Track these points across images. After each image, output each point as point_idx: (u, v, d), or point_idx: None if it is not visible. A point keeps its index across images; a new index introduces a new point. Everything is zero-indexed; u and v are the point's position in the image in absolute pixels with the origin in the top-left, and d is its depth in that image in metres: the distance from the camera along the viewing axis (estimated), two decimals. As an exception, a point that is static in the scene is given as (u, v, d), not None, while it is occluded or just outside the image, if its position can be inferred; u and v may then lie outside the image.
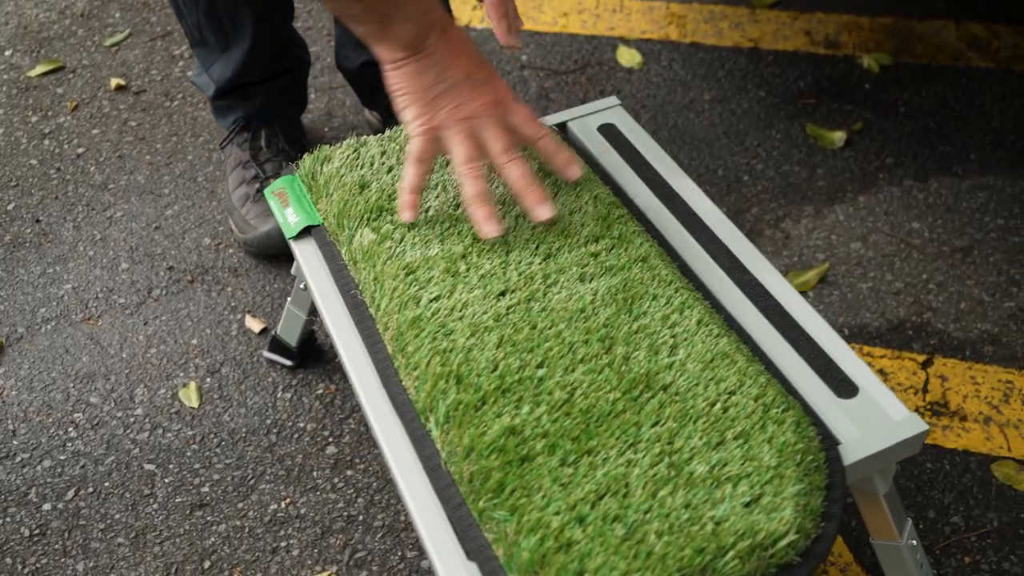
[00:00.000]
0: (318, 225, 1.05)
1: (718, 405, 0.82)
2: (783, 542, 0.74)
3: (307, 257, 1.04)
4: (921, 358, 1.26)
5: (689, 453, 0.79)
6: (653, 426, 0.81)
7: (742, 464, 0.78)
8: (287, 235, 1.06)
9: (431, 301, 0.91)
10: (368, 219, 1.01)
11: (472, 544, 0.77)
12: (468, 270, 0.94)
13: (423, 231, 0.98)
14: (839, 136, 1.58)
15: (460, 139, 0.91)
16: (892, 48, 1.76)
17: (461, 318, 0.90)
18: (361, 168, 1.07)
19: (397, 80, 0.91)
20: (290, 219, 1.07)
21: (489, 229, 0.91)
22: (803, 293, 1.34)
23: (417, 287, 0.93)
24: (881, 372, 1.24)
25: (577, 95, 1.71)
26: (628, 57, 1.78)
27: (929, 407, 1.20)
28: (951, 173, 1.52)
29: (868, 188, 1.50)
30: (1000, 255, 1.38)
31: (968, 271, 1.37)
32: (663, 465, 0.78)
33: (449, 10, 1.47)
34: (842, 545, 1.08)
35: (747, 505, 0.76)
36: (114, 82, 1.81)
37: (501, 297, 0.92)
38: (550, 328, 0.88)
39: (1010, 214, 1.44)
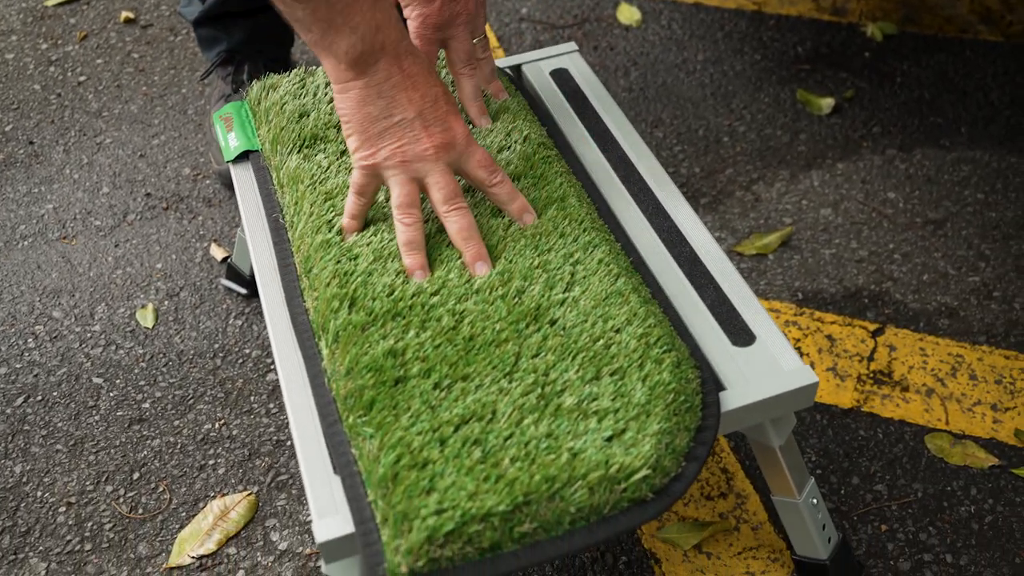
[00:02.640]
0: (257, 151, 1.07)
1: (601, 342, 0.82)
2: (636, 476, 0.74)
3: (241, 180, 1.06)
4: (873, 327, 1.24)
5: (562, 385, 0.79)
6: (532, 357, 0.81)
7: (612, 399, 0.78)
8: (225, 157, 1.08)
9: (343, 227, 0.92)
10: (300, 146, 1.02)
11: (341, 459, 0.79)
12: (386, 200, 0.95)
13: (347, 159, 0.99)
14: (828, 103, 1.55)
15: (400, 182, 0.86)
16: (900, 18, 1.71)
17: (368, 244, 0.91)
18: (304, 97, 1.08)
19: (342, 104, 0.84)
20: (231, 143, 1.09)
21: (417, 276, 0.86)
22: (762, 255, 1.33)
23: (333, 213, 0.94)
24: (828, 338, 1.22)
25: (571, 49, 1.69)
26: (628, 14, 1.76)
27: (872, 375, 1.18)
28: (938, 145, 1.48)
29: (849, 156, 1.47)
30: (973, 229, 1.35)
31: (937, 243, 1.33)
32: (533, 395, 0.78)
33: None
34: (758, 504, 1.07)
35: (608, 439, 0.76)
36: (123, 15, 1.85)
37: (412, 226, 0.92)
38: (454, 259, 0.89)
39: (991, 189, 1.40)
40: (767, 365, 0.85)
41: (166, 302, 1.32)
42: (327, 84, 1.09)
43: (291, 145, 1.03)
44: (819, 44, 1.67)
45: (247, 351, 1.25)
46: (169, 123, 1.61)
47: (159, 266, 1.37)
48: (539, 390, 0.79)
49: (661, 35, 1.72)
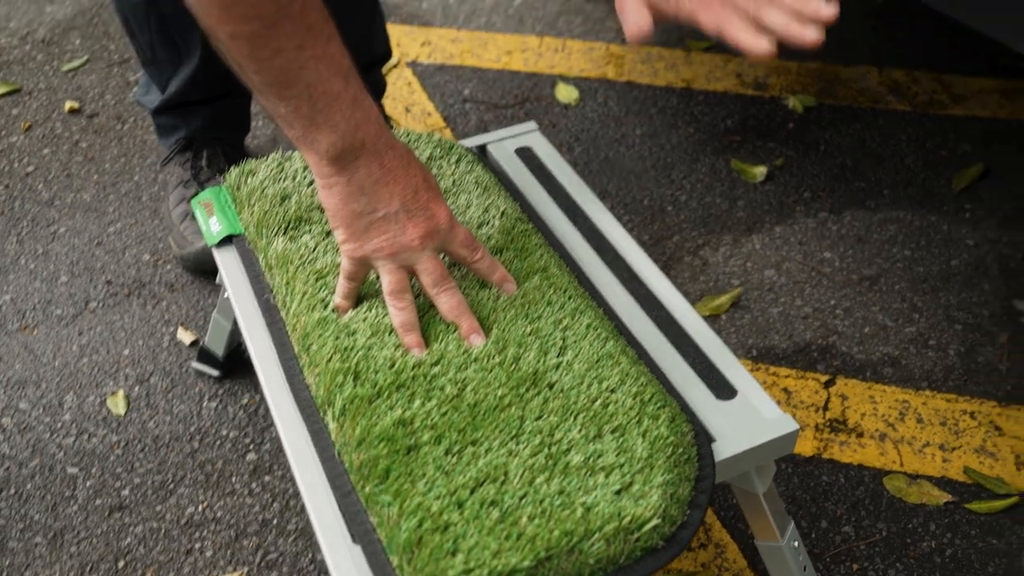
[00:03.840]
0: (240, 234, 1.10)
1: (599, 402, 0.87)
2: (648, 526, 0.78)
3: (227, 263, 1.09)
4: (824, 378, 1.32)
5: (568, 445, 0.84)
6: (536, 419, 0.86)
7: (616, 455, 0.83)
8: (208, 242, 1.10)
9: (338, 305, 0.96)
10: (286, 228, 1.06)
11: (358, 528, 0.81)
12: (377, 277, 0.99)
13: (335, 240, 1.03)
14: (761, 171, 1.66)
15: (389, 270, 0.90)
16: (817, 91, 1.84)
17: (364, 320, 0.94)
18: (284, 181, 1.12)
19: (327, 200, 0.87)
20: (213, 228, 1.12)
21: (415, 352, 0.90)
22: (716, 316, 1.40)
23: (326, 291, 0.98)
24: (785, 391, 1.30)
25: (514, 128, 1.77)
26: (566, 93, 1.85)
27: (828, 424, 1.26)
28: (864, 207, 1.59)
29: (785, 219, 1.57)
30: (905, 283, 1.45)
31: (874, 298, 1.43)
32: (542, 455, 0.83)
33: (387, 121, 1.49)
34: (737, 553, 1.12)
35: (617, 492, 0.80)
36: (68, 105, 1.86)
37: (405, 302, 0.96)
38: (450, 331, 0.93)
39: (917, 246, 1.51)
40: (750, 416, 0.91)
41: (136, 388, 1.33)
42: (305, 168, 1.13)
43: (276, 228, 1.06)
44: (746, 116, 1.79)
45: (224, 432, 1.26)
46: (124, 210, 1.62)
47: (126, 352, 1.38)
48: (547, 450, 0.83)
49: (599, 112, 1.81)
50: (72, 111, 1.85)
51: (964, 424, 1.25)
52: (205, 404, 1.30)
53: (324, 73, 0.81)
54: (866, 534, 1.14)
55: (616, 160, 1.70)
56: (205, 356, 1.32)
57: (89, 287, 1.48)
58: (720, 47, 1.97)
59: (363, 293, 0.97)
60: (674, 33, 2.02)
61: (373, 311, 0.95)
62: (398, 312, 0.91)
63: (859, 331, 1.38)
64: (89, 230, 1.59)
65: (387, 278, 0.91)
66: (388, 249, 0.89)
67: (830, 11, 0.87)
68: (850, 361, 1.34)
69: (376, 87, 1.62)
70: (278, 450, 1.24)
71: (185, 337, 1.39)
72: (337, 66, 0.82)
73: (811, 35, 0.84)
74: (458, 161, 1.15)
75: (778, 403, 1.27)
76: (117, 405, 1.30)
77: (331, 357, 0.91)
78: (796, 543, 1.00)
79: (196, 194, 1.50)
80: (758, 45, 0.86)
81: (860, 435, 1.24)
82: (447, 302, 0.92)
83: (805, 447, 1.23)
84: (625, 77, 1.90)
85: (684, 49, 1.97)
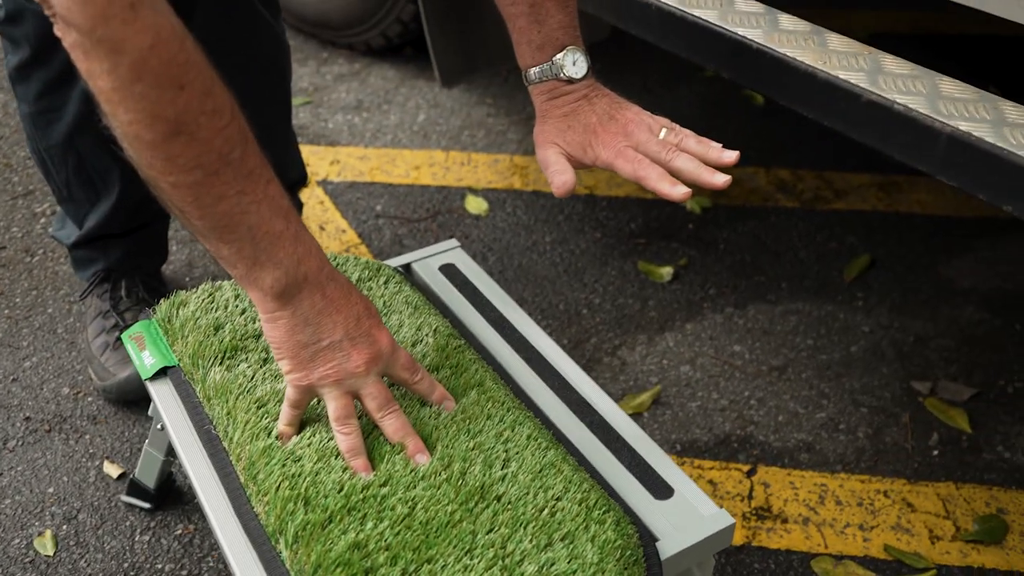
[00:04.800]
0: (174, 366, 1.11)
1: (546, 510, 0.91)
2: (605, 631, 0.81)
3: (163, 396, 1.09)
4: (746, 467, 1.38)
5: (520, 555, 0.87)
6: (488, 532, 0.88)
7: (568, 562, 0.86)
8: (143, 376, 1.11)
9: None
10: (222, 358, 1.07)
11: (321, 656, 0.82)
12: (317, 402, 1.01)
13: (272, 367, 1.05)
14: (667, 271, 1.74)
15: (334, 397, 0.92)
16: (711, 192, 1.95)
17: (309, 445, 0.96)
18: (216, 311, 1.13)
19: (272, 333, 0.90)
20: (146, 361, 1.12)
21: (362, 475, 0.93)
22: (638, 414, 1.46)
23: (268, 419, 0.99)
24: (711, 483, 1.35)
25: (428, 240, 1.83)
26: (475, 205, 1.92)
27: (754, 512, 1.31)
28: (766, 300, 1.68)
29: (694, 316, 1.65)
30: (811, 371, 1.54)
31: (784, 387, 1.51)
32: (497, 568, 0.85)
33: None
34: (680, 646, 1.15)
35: (573, 599, 0.83)
36: (-28, 243, 1.83)
37: (348, 424, 0.99)
38: (395, 450, 0.96)
39: (817, 335, 1.61)
40: (688, 514, 0.96)
41: (64, 526, 1.30)
42: (237, 296, 1.15)
43: (212, 358, 1.07)
44: (648, 219, 1.88)
45: (159, 566, 1.24)
46: (39, 344, 1.60)
47: (51, 490, 1.35)
48: (501, 562, 0.86)
49: (509, 221, 1.88)
50: (-23, 252, 1.83)
51: (879, 503, 1.32)
52: (138, 538, 1.28)
53: (266, 215, 0.84)
54: (800, 617, 1.18)
55: (529, 267, 1.76)
56: (135, 489, 1.30)
57: (7, 425, 1.45)
58: (618, 154, 2.08)
59: (305, 418, 0.99)
60: (573, 142, 2.12)
61: (317, 435, 0.97)
62: (344, 437, 0.93)
63: (774, 420, 1.45)
64: (3, 366, 1.56)
65: (333, 404, 0.93)
66: (334, 376, 0.91)
67: (731, 157, 0.99)
68: (768, 449, 1.40)
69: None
70: (217, 581, 1.23)
71: (112, 470, 1.37)
72: (278, 206, 0.85)
73: (719, 180, 0.99)
74: (387, 282, 1.19)
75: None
76: (45, 546, 1.27)
77: (279, 485, 0.92)
78: (738, 633, 1.04)
79: (116, 324, 1.50)
80: (675, 192, 0.99)
81: (785, 520, 1.30)
82: (392, 424, 0.95)
83: (735, 536, 1.27)
84: (531, 186, 1.98)
85: (584, 157, 2.07)
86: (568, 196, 1.03)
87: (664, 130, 1.04)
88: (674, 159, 1.01)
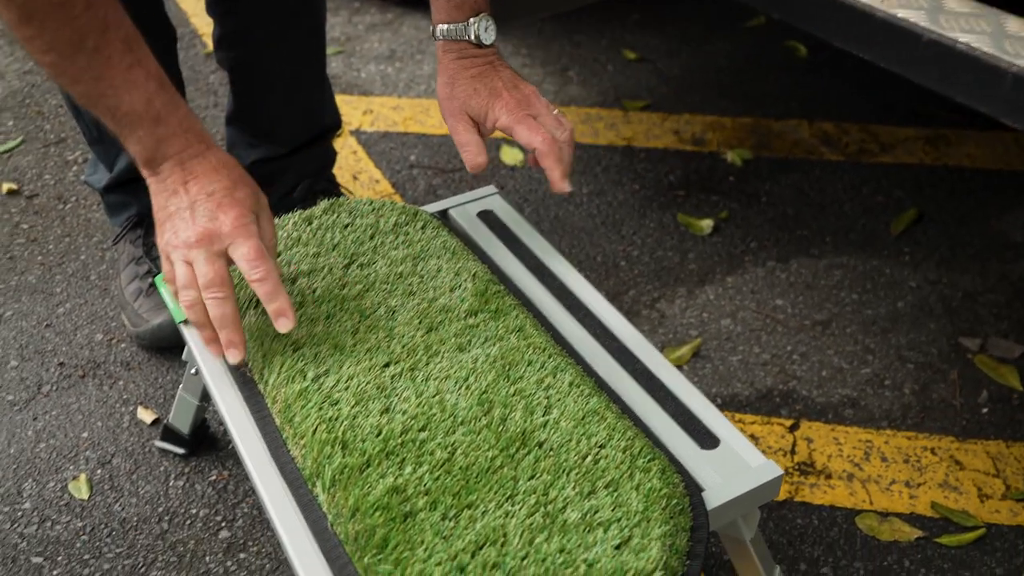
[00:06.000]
0: (208, 309, 1.09)
1: (589, 458, 0.88)
2: (650, 579, 0.79)
3: (197, 340, 1.07)
4: (788, 422, 1.35)
5: (563, 502, 0.84)
6: (529, 479, 0.86)
7: (612, 510, 0.84)
8: (177, 320, 1.09)
9: (318, 375, 0.96)
10: (257, 301, 1.05)
11: (359, 600, 0.80)
12: (355, 345, 0.99)
13: (310, 310, 1.03)
14: (707, 224, 1.70)
15: (178, 265, 0.94)
16: (752, 144, 1.90)
17: (347, 388, 0.94)
18: (250, 254, 1.11)
19: (151, 196, 0.96)
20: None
21: (230, 357, 0.95)
22: (678, 367, 1.42)
23: (303, 362, 0.97)
24: (752, 437, 1.32)
25: (463, 191, 1.79)
26: (511, 156, 1.88)
27: (797, 467, 1.28)
28: (809, 254, 1.64)
29: (735, 270, 1.61)
30: (856, 326, 1.50)
31: (828, 342, 1.47)
32: (539, 515, 0.83)
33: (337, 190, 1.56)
34: (721, 600, 1.13)
35: (617, 547, 0.81)
36: (6, 187, 1.83)
37: (385, 368, 0.97)
38: (433, 395, 0.93)
39: (863, 289, 1.57)
40: (735, 464, 0.93)
41: (99, 471, 1.29)
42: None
43: (247, 301, 1.05)
44: (688, 172, 1.84)
45: (193, 511, 1.24)
46: (72, 290, 1.59)
47: (85, 435, 1.34)
48: (543, 509, 0.84)
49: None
50: (10, 192, 1.82)
51: (926, 460, 1.29)
52: (172, 483, 1.27)
53: (124, 98, 0.89)
54: (844, 574, 1.16)
55: (566, 219, 1.73)
56: (169, 434, 1.29)
57: (41, 370, 1.45)
58: (656, 106, 2.03)
59: (343, 361, 0.97)
60: (610, 94, 2.07)
61: (355, 379, 0.95)
62: (186, 308, 0.94)
63: (817, 375, 1.42)
64: (37, 312, 1.55)
65: (178, 273, 0.94)
66: (175, 240, 0.93)
67: (566, 188, 1.11)
68: (811, 404, 1.37)
69: (326, 157, 1.63)
70: (251, 526, 1.21)
71: (146, 416, 1.36)
72: (140, 90, 0.90)
73: (566, 187, 1.11)
74: (424, 227, 1.16)
75: (747, 450, 1.30)
76: (80, 490, 1.26)
77: (316, 428, 0.90)
78: (782, 587, 1.02)
79: (149, 271, 1.49)
80: (563, 186, 1.11)
81: (829, 476, 1.27)
82: (212, 309, 0.93)
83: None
84: (568, 138, 1.94)
85: (621, 109, 2.02)
86: (477, 172, 1.13)
87: (557, 110, 1.13)
88: (564, 140, 1.11)
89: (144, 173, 0.95)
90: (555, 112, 1.12)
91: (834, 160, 1.86)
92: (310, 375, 0.95)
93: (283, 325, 0.94)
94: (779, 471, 0.91)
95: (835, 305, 1.54)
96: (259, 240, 0.94)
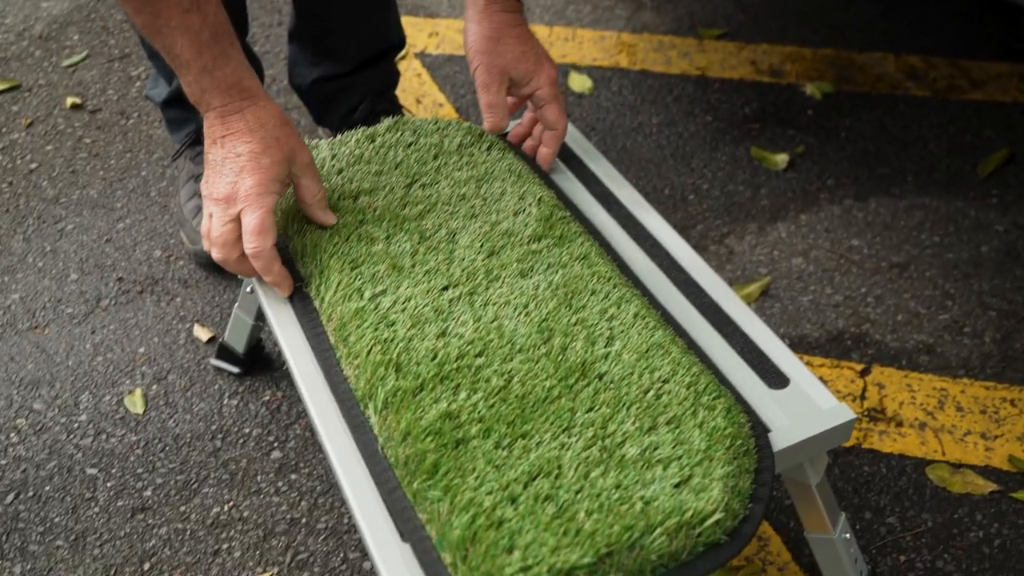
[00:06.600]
0: (265, 225, 1.06)
1: (651, 392, 0.84)
2: (710, 521, 0.75)
3: (253, 256, 1.05)
4: (859, 367, 1.29)
5: (622, 437, 0.81)
6: (587, 412, 0.83)
7: (673, 447, 0.80)
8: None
9: (375, 295, 0.93)
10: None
11: (406, 526, 0.78)
12: (413, 266, 0.96)
13: (369, 228, 1.00)
14: (782, 158, 1.63)
15: (205, 212, 0.95)
16: (834, 77, 1.81)
17: (403, 310, 0.91)
18: (309, 170, 1.08)
19: (189, 127, 1.00)
20: (237, 219, 1.08)
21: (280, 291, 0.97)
22: (745, 305, 1.37)
23: (361, 280, 0.94)
24: (820, 380, 1.27)
25: (529, 118, 1.74)
26: (579, 83, 1.82)
27: (867, 413, 1.23)
28: (889, 194, 1.56)
29: (810, 207, 1.54)
30: (935, 270, 1.42)
31: (905, 285, 1.40)
32: (596, 448, 0.80)
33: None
34: (780, 545, 1.10)
35: (676, 486, 0.77)
36: (70, 101, 1.82)
37: (444, 291, 0.93)
38: (491, 321, 0.90)
39: (945, 232, 1.49)
40: (805, 405, 0.88)
41: (154, 386, 1.29)
42: (333, 156, 1.10)
43: (306, 217, 1.03)
44: (764, 104, 1.76)
45: (247, 430, 1.23)
46: (132, 206, 1.58)
47: (141, 350, 1.34)
48: (600, 443, 0.80)
49: (614, 101, 1.78)
50: (74, 107, 1.81)
51: (1005, 412, 1.23)
52: (226, 402, 1.26)
53: (178, 40, 0.89)
54: (911, 525, 1.11)
55: (634, 149, 1.67)
56: (224, 353, 1.28)
57: (100, 285, 1.44)
58: (732, 35, 1.95)
59: (400, 282, 0.94)
60: (685, 21, 1.99)
61: (412, 301, 0.92)
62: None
63: (892, 319, 1.35)
64: (97, 227, 1.55)
65: (203, 217, 0.95)
66: (205, 191, 0.94)
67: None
68: (885, 349, 1.31)
69: (389, 77, 1.59)
70: (304, 448, 1.20)
71: (202, 334, 1.35)
72: (193, 38, 0.90)
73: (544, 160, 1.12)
74: (489, 148, 1.11)
75: (814, 393, 1.25)
76: (135, 404, 1.26)
77: (371, 348, 0.88)
78: (848, 535, 0.97)
79: (209, 188, 1.47)
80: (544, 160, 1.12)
81: (899, 424, 1.22)
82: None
83: (843, 437, 1.20)
84: (638, 66, 1.87)
85: (696, 37, 1.94)
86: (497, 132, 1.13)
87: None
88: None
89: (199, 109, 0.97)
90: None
91: (920, 96, 1.77)
92: (367, 294, 0.93)
93: (280, 293, 0.97)
94: (851, 415, 0.87)
95: (914, 247, 1.47)
96: (268, 212, 0.93)
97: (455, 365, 0.86)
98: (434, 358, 0.86)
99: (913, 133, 1.68)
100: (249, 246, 0.93)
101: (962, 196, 1.55)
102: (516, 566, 0.72)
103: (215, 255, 0.95)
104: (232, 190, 0.93)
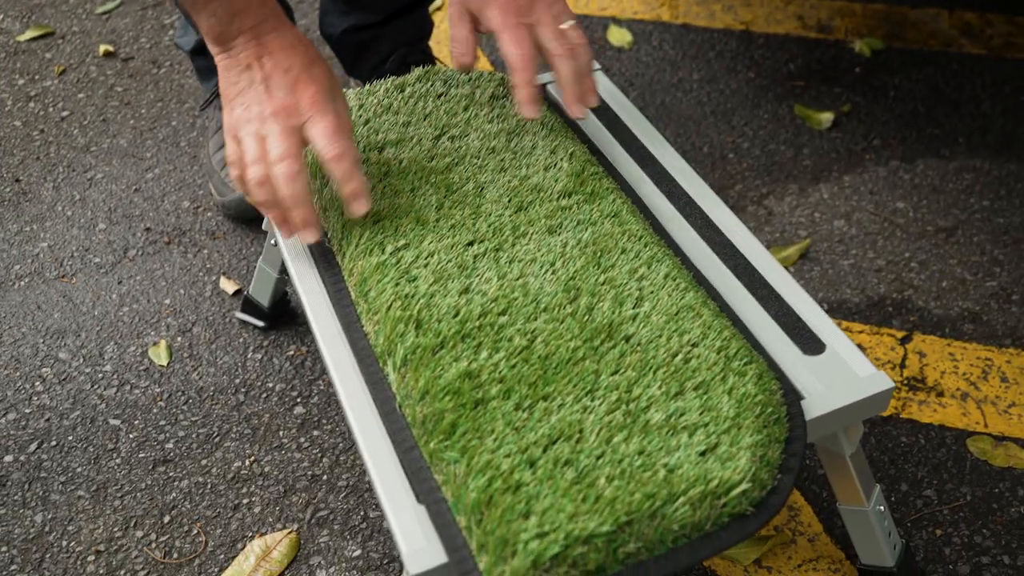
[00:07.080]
0: (288, 176, 1.04)
1: (680, 356, 0.81)
2: (736, 491, 0.72)
3: (275, 207, 1.03)
4: (900, 334, 1.24)
5: (647, 402, 0.78)
6: (612, 374, 0.80)
7: (700, 414, 0.77)
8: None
9: (397, 249, 0.90)
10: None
11: (422, 487, 0.76)
12: (438, 220, 0.93)
13: (394, 181, 0.97)
14: (827, 117, 1.57)
15: (248, 140, 0.88)
16: (884, 33, 1.74)
17: (426, 265, 0.88)
18: (334, 121, 1.05)
19: (219, 78, 0.92)
20: (260, 170, 1.05)
21: (307, 237, 0.90)
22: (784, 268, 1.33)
23: (383, 235, 0.92)
24: (859, 347, 1.22)
25: (566, 72, 1.69)
26: (619, 36, 1.77)
27: (906, 382, 1.19)
28: (938, 155, 1.50)
29: (854, 168, 1.49)
30: (984, 236, 1.37)
31: (951, 251, 1.35)
32: (619, 412, 0.77)
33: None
34: (812, 515, 1.06)
35: (702, 454, 0.74)
36: (103, 48, 1.80)
37: (469, 247, 0.90)
38: (517, 278, 0.87)
39: (996, 196, 1.43)
40: (842, 372, 0.84)
41: (179, 338, 1.28)
42: (360, 106, 1.07)
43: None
44: (810, 61, 1.70)
45: (270, 385, 1.21)
46: (162, 156, 1.57)
47: (167, 302, 1.33)
48: (624, 407, 0.77)
49: (654, 56, 1.73)
50: (107, 54, 1.79)
51: (1052, 384, 1.18)
52: (250, 356, 1.25)
53: None
54: (949, 498, 1.07)
55: (673, 105, 1.62)
56: (249, 306, 1.27)
57: (128, 234, 1.43)
58: (780, -12, 1.88)
59: (424, 236, 0.91)
60: (731, -26, 1.92)
61: (435, 256, 0.89)
62: (249, 186, 0.89)
63: (936, 285, 1.30)
64: (127, 176, 1.53)
65: (247, 149, 0.88)
66: (248, 114, 0.88)
67: (580, 113, 0.98)
68: (927, 316, 1.26)
69: (422, 27, 1.55)
70: (326, 404, 1.19)
71: (228, 286, 1.34)
72: None
73: (577, 111, 0.98)
74: (520, 100, 1.08)
75: (852, 360, 1.21)
76: (159, 356, 1.25)
77: (391, 304, 0.85)
78: (882, 507, 0.94)
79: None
80: (528, 110, 0.97)
81: (940, 394, 1.17)
82: (284, 186, 0.87)
83: (881, 407, 1.16)
84: (680, 19, 1.81)
85: (742, -10, 1.88)
86: (464, 69, 1.02)
87: (570, 22, 0.97)
88: (561, 58, 0.96)
89: (214, 51, 0.91)
90: (566, 24, 0.96)
91: (975, 54, 1.69)
92: (388, 249, 0.90)
93: (358, 208, 0.89)
94: (890, 383, 0.83)
95: (963, 211, 1.41)
96: (337, 117, 0.88)
97: (477, 323, 0.83)
98: (456, 315, 0.84)
99: (966, 93, 1.61)
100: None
101: (1016, 159, 1.49)
102: (532, 532, 0.69)
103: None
104: (291, 100, 0.87)
